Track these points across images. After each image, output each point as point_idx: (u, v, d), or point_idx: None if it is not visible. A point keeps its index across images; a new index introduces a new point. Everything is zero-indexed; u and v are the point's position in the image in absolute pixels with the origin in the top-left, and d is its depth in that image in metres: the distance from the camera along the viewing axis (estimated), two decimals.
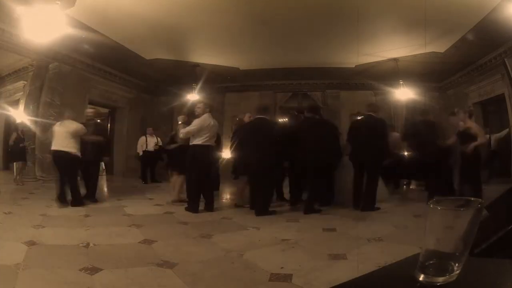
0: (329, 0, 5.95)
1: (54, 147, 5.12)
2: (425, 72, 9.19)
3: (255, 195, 4.85)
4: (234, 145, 5.20)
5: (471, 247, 0.50)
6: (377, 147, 4.87)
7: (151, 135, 9.07)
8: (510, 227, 0.68)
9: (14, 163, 7.57)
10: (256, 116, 5.08)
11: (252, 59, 8.97)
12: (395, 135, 6.58)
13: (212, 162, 5.07)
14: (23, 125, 7.77)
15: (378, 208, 4.80)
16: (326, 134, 5.04)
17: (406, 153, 6.10)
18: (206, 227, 3.96)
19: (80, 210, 4.74)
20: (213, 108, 5.57)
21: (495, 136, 7.91)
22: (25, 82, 8.49)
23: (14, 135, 7.54)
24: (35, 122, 7.88)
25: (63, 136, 5.08)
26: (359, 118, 6.08)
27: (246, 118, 5.60)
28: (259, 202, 4.71)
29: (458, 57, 8.02)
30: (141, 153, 8.92)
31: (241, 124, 5.64)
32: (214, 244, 3.29)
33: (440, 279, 0.49)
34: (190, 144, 4.87)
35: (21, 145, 7.48)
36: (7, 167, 9.34)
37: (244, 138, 5.01)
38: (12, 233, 3.46)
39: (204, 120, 4.89)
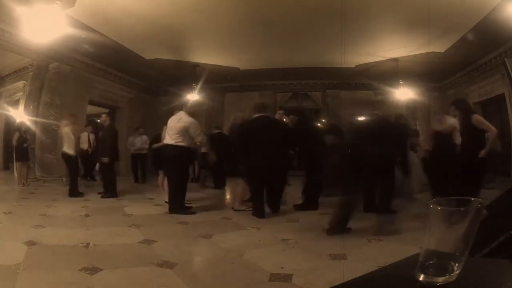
0: (329, 0, 5.95)
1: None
2: (425, 72, 9.20)
3: (271, 197, 4.67)
4: (236, 145, 5.00)
5: (471, 247, 0.50)
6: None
7: None
8: (510, 227, 0.68)
9: (15, 163, 7.55)
10: (259, 115, 4.77)
11: (252, 59, 8.97)
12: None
13: (180, 163, 4.83)
14: (24, 125, 7.76)
15: (395, 212, 4.48)
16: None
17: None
18: (206, 227, 3.96)
19: (80, 210, 4.74)
20: (187, 107, 5.40)
21: None
22: (25, 82, 8.49)
23: (16, 135, 7.52)
24: (35, 122, 7.89)
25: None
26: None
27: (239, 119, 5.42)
28: (276, 204, 4.63)
29: (458, 57, 8.03)
30: None
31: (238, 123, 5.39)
32: (214, 244, 3.29)
33: (440, 279, 0.49)
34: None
35: (25, 145, 7.47)
36: (7, 167, 9.35)
37: (252, 137, 4.69)
38: (12, 233, 3.46)
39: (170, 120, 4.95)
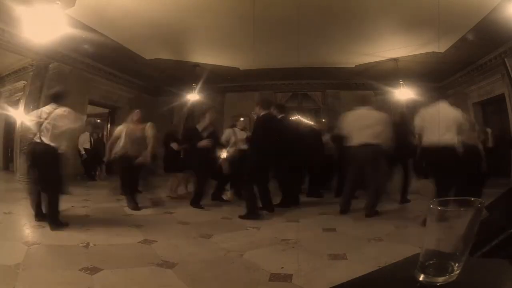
0: (329, 1, 5.95)
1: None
2: (425, 72, 9.20)
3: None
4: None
5: (471, 247, 0.50)
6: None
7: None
8: (510, 227, 0.68)
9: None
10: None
11: (252, 59, 8.97)
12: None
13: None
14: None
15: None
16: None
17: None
18: (206, 227, 3.96)
19: (80, 210, 4.74)
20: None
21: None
22: (25, 82, 8.49)
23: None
24: None
25: None
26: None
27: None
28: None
29: (458, 57, 8.02)
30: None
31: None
32: (214, 244, 3.29)
33: (440, 279, 0.49)
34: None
35: None
36: (7, 167, 9.35)
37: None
38: (12, 233, 3.46)
39: None
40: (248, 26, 6.96)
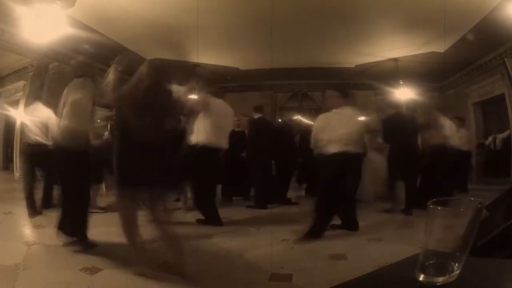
0: (330, 1, 5.96)
1: None
2: (425, 72, 9.20)
3: None
4: None
5: (471, 247, 0.50)
6: None
7: None
8: (509, 226, 0.68)
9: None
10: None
11: (252, 59, 8.97)
12: None
13: None
14: None
15: None
16: None
17: None
18: (205, 227, 3.96)
19: None
20: None
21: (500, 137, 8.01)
22: (25, 82, 8.49)
23: None
24: None
25: None
26: None
27: None
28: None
29: (458, 57, 8.02)
30: None
31: None
32: (214, 244, 3.29)
33: (440, 279, 0.49)
34: None
35: None
36: (7, 167, 9.35)
37: None
38: (12, 233, 3.46)
39: None
40: (248, 26, 6.98)
